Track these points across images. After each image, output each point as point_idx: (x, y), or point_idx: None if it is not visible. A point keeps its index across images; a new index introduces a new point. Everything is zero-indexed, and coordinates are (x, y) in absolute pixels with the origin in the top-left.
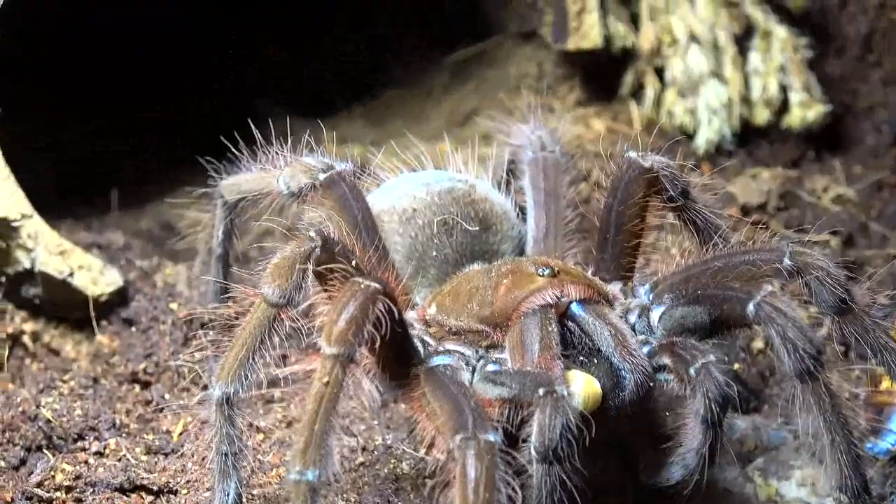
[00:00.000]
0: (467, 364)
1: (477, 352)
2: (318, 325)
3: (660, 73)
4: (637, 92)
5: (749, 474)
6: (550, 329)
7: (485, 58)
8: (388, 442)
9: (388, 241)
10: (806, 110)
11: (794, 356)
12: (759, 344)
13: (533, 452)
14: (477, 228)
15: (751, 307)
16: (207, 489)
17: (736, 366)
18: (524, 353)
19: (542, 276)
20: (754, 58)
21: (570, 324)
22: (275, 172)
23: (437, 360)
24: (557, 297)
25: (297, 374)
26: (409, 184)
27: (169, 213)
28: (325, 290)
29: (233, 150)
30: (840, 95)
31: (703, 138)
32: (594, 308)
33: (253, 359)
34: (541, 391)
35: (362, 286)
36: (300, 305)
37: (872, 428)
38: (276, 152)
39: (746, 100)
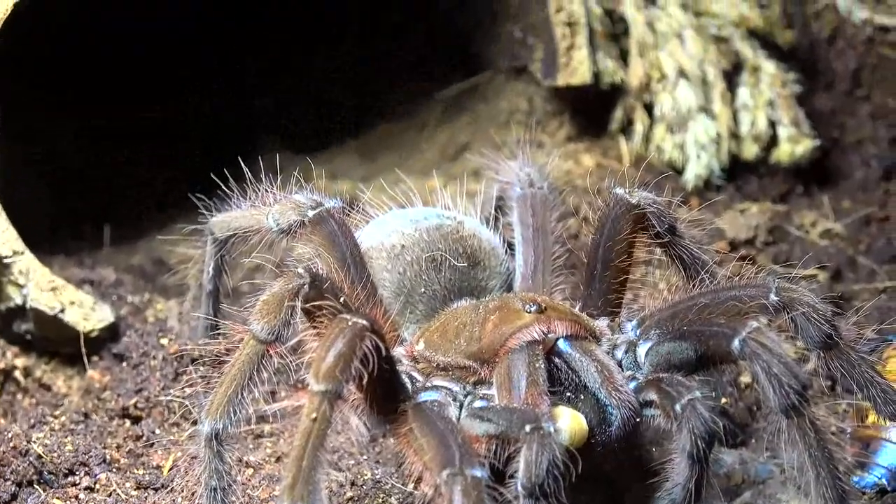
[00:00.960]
0: (455, 400)
1: (464, 388)
2: (306, 361)
3: (649, 108)
4: (626, 127)
5: None
6: (537, 365)
7: (477, 93)
8: (378, 477)
9: (377, 277)
10: (794, 145)
11: (780, 392)
12: (746, 378)
13: (519, 488)
14: (465, 265)
15: (736, 343)
16: None
17: (723, 400)
18: (511, 390)
19: (530, 312)
20: (743, 93)
21: (556, 360)
22: (264, 210)
23: (424, 396)
24: (544, 334)
25: (286, 410)
26: (398, 220)
27: (161, 248)
28: (314, 327)
29: (224, 187)
30: (829, 130)
31: (692, 173)
32: (581, 344)
33: (241, 394)
34: (527, 427)
35: (350, 323)
36: (289, 342)
37: (859, 462)
38: (266, 189)
39: (735, 135)
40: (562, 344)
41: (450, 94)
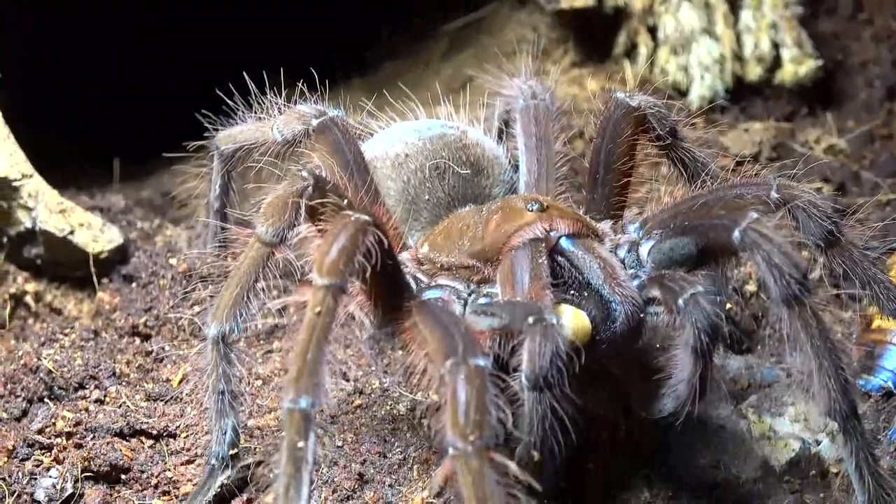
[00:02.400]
0: (459, 298)
1: (468, 286)
2: (309, 258)
3: (653, 32)
4: (631, 51)
5: (743, 411)
6: (540, 261)
7: (482, 25)
8: (386, 385)
9: (381, 186)
10: (798, 66)
11: (781, 282)
12: (752, 287)
13: (523, 380)
14: (468, 172)
15: (736, 233)
16: (206, 433)
17: (728, 306)
18: (514, 285)
19: (532, 211)
20: (746, 15)
21: (559, 258)
22: (269, 122)
23: (429, 294)
24: (547, 231)
25: (290, 306)
26: (402, 131)
27: (170, 182)
28: (317, 227)
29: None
30: (832, 53)
31: (697, 94)
32: (584, 242)
33: (248, 297)
34: (530, 319)
35: (352, 218)
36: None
37: (865, 366)
38: (272, 102)
39: (739, 57)
40: (564, 242)
41: (455, 28)
